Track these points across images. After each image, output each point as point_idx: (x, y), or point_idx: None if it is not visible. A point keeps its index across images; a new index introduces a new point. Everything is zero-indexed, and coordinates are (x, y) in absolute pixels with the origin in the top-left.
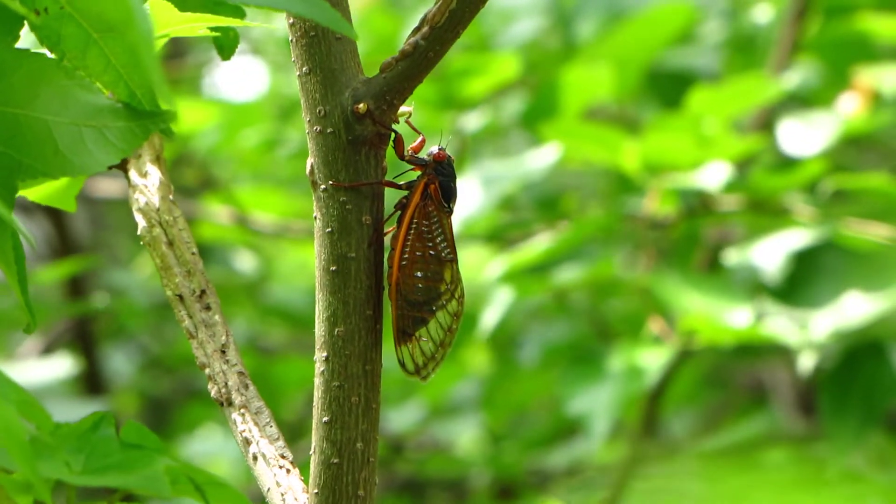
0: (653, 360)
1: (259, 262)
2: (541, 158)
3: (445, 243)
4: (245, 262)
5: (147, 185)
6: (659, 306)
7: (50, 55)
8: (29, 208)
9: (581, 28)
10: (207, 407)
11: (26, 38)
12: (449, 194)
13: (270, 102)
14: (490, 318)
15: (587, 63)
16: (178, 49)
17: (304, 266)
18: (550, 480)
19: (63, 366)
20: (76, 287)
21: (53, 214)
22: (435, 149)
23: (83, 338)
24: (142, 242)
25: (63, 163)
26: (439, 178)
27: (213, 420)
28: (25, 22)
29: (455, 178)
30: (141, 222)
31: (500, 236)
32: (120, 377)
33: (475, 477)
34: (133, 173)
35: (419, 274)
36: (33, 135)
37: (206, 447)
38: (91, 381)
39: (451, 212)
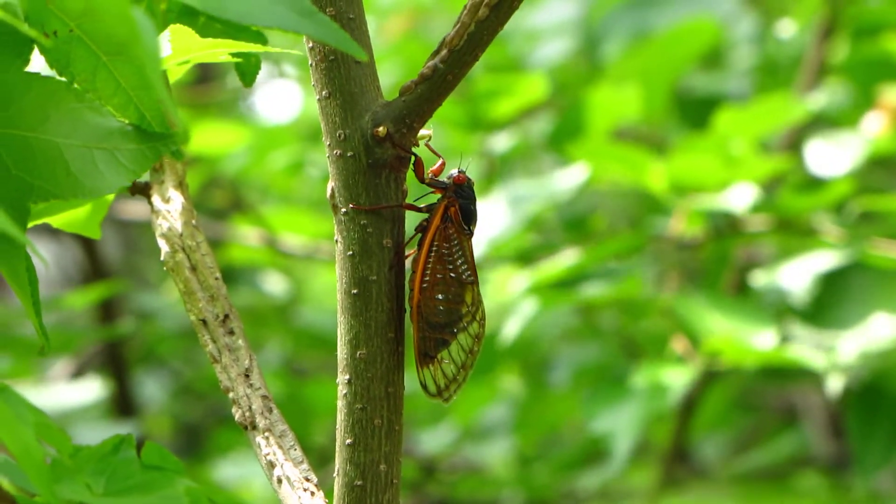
0: (676, 378)
1: (290, 285)
2: (568, 179)
3: (466, 265)
4: (275, 284)
5: (170, 210)
6: (684, 327)
7: (60, 78)
8: (58, 232)
9: (608, 48)
10: (238, 431)
11: (36, 62)
12: (469, 217)
13: (301, 125)
14: (511, 328)
15: (614, 83)
16: (212, 73)
17: (334, 288)
18: (581, 502)
19: (93, 389)
20: (107, 311)
21: (83, 238)
22: (455, 171)
23: (114, 361)
24: (165, 268)
25: (75, 185)
26: (459, 201)
27: (245, 444)
28: (35, 45)
29: (475, 200)
30: (164, 248)
31: (528, 257)
32: (152, 402)
33: (507, 499)
34: (156, 199)
35: (440, 296)
36: (44, 157)
37: (237, 471)
38: (122, 405)
39: (471, 234)
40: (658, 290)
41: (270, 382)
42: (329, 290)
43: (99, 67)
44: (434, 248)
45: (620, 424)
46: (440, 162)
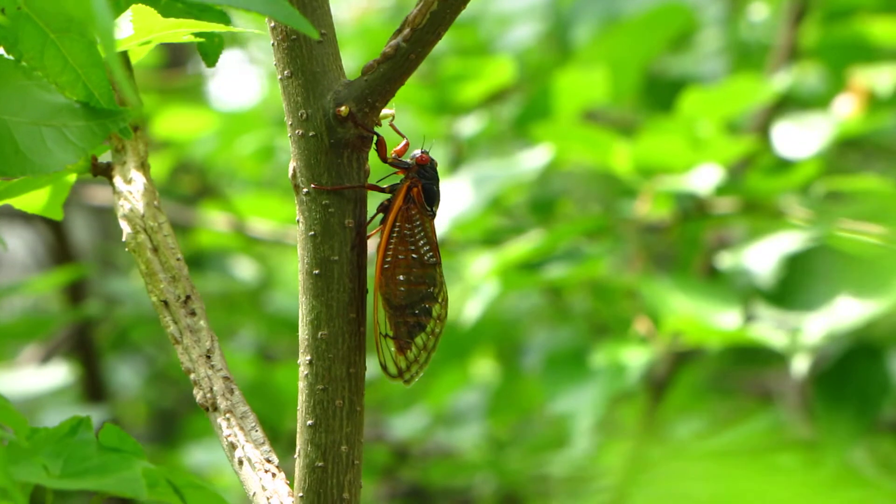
0: (635, 358)
1: (261, 270)
2: (533, 159)
3: (429, 247)
4: (246, 269)
5: (132, 191)
6: (647, 308)
7: (7, 56)
8: (29, 216)
9: (578, 32)
10: None
11: None
12: (432, 198)
13: (266, 109)
14: (473, 308)
15: (583, 67)
16: (177, 58)
17: None
18: (553, 486)
19: (61, 374)
20: (76, 295)
21: (55, 224)
22: (418, 152)
23: (83, 346)
24: (127, 249)
25: (24, 162)
26: (422, 182)
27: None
28: None
29: (438, 181)
30: (126, 228)
31: (494, 240)
32: (126, 388)
33: (480, 484)
34: (118, 180)
35: (402, 277)
36: None
37: (210, 457)
38: (92, 390)
39: (434, 215)
40: (625, 272)
41: (243, 369)
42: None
43: (47, 45)
44: (396, 229)
45: (580, 404)
46: (404, 142)
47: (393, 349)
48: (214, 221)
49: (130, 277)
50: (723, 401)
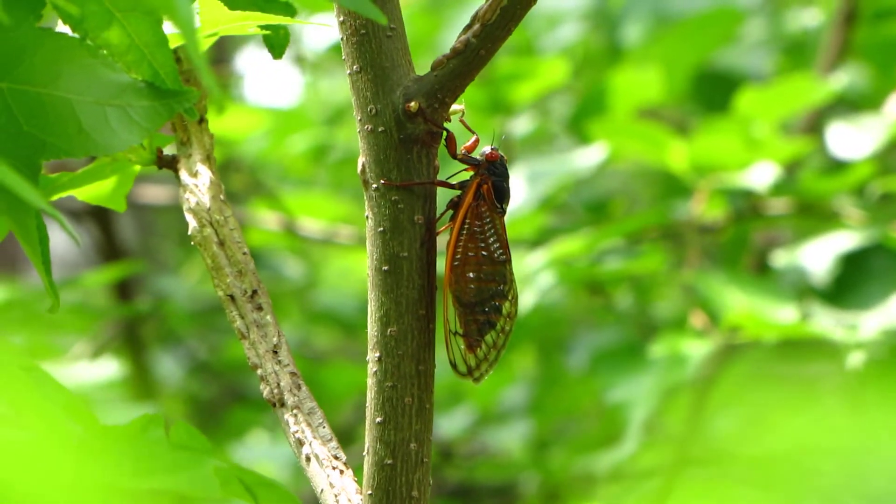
0: (695, 349)
1: (306, 268)
2: (588, 157)
3: (499, 244)
4: (292, 267)
5: (198, 184)
6: (703, 303)
7: (72, 34)
8: (77, 214)
9: (627, 32)
10: (255, 412)
11: (48, 18)
12: (502, 194)
13: (312, 108)
14: (528, 299)
15: (635, 67)
16: (220, 54)
17: (351, 271)
18: (596, 484)
19: (110, 369)
20: (124, 292)
21: (101, 220)
22: (488, 148)
23: (132, 342)
24: (193, 243)
25: (86, 141)
26: (492, 178)
27: (261, 425)
28: (48, 1)
29: (508, 178)
30: (192, 222)
31: (547, 239)
32: (168, 382)
33: (524, 482)
34: (183, 173)
35: (472, 275)
36: (56, 114)
37: (253, 452)
38: (140, 385)
39: (503, 212)
40: (680, 270)
41: None
42: (346, 273)
43: (112, 24)
44: (466, 226)
45: (637, 394)
46: (473, 138)
47: (463, 347)
48: (264, 220)
49: (177, 274)
50: (764, 394)
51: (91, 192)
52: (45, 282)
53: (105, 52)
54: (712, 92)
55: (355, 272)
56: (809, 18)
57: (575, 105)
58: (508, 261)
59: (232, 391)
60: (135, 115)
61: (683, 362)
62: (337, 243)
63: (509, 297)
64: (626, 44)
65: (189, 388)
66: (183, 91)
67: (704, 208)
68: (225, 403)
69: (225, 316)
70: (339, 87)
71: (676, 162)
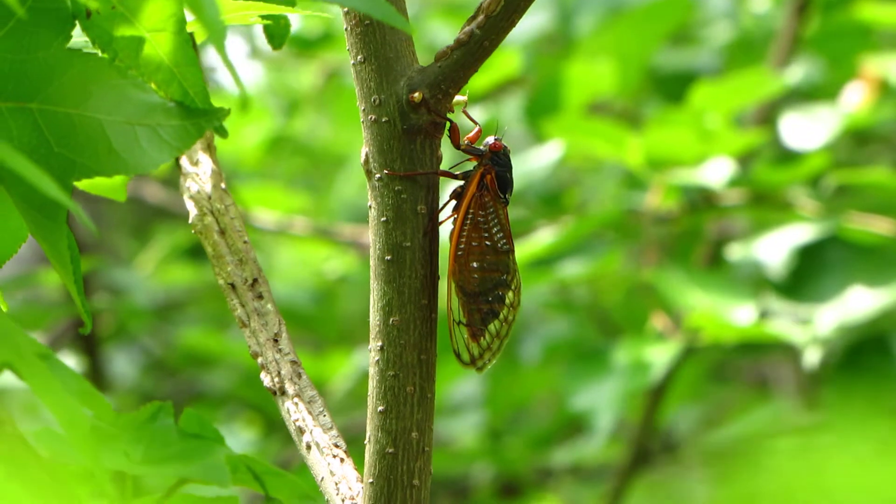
0: (659, 355)
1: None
2: (544, 156)
3: (502, 234)
4: None
5: (199, 172)
6: (663, 303)
7: (102, 55)
8: None
9: (581, 23)
10: (210, 408)
11: (78, 39)
12: (505, 185)
13: (267, 100)
14: None
15: (588, 58)
16: None
17: (304, 264)
18: (553, 478)
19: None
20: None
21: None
22: (491, 139)
23: (85, 338)
24: (193, 231)
25: (117, 162)
26: (496, 169)
27: (216, 422)
28: (77, 22)
29: (511, 168)
30: (192, 210)
31: None
32: (123, 379)
33: (477, 473)
34: (184, 161)
35: (475, 265)
36: (87, 134)
37: None
38: (94, 381)
39: (507, 202)
40: (635, 265)
41: (248, 359)
42: (299, 266)
43: (142, 44)
44: (469, 216)
45: (602, 401)
46: (476, 129)
47: (466, 336)
48: None
49: (131, 267)
50: (720, 391)
51: (94, 182)
52: (78, 302)
53: (134, 72)
54: (668, 88)
55: (310, 265)
56: (760, 6)
57: (528, 97)
58: (512, 250)
59: (187, 388)
60: (165, 135)
61: (647, 369)
62: (292, 234)
63: (512, 287)
64: (579, 34)
65: (144, 386)
66: (213, 110)
67: (660, 202)
68: (180, 400)
69: (181, 310)
70: (297, 80)
71: (632, 157)
